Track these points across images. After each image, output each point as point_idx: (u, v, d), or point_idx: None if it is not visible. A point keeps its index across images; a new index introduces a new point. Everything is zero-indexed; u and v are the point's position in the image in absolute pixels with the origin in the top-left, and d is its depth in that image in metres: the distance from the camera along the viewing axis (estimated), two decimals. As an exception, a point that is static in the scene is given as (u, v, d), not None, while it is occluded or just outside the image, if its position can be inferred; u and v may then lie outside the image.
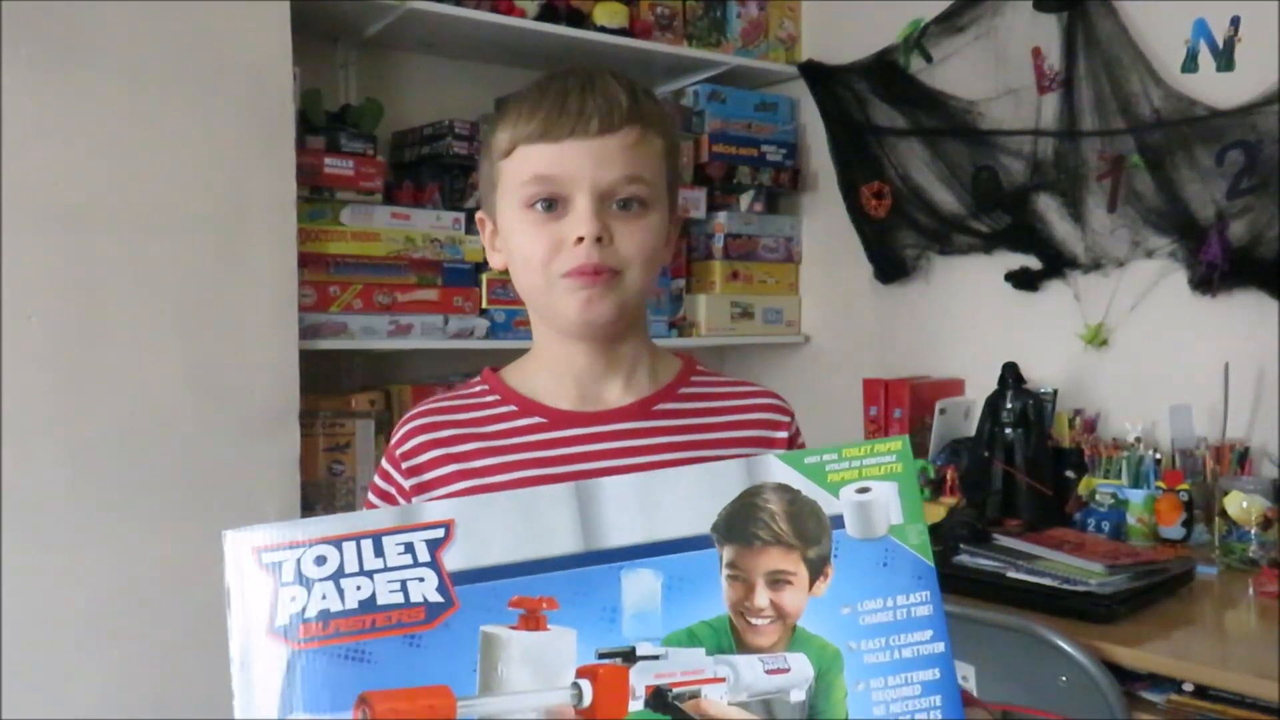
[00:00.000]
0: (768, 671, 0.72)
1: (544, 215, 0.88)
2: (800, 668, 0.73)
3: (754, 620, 0.73)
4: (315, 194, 1.97)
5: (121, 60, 1.65)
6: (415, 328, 2.07)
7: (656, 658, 0.71)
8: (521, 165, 0.89)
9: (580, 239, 0.87)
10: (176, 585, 1.67)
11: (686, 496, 0.74)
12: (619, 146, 0.88)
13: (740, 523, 0.74)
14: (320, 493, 1.97)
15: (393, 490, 0.95)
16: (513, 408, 0.94)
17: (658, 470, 0.77)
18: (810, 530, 0.75)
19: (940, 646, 0.75)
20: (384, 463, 0.96)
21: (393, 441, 0.96)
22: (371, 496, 0.97)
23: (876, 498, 0.76)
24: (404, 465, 0.94)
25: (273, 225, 1.79)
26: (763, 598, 0.73)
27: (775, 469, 0.75)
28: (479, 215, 0.99)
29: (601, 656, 0.70)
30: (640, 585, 0.72)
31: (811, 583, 0.74)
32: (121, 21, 1.64)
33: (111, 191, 1.65)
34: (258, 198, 1.78)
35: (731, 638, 0.73)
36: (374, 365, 2.26)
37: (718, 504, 0.74)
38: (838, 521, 0.75)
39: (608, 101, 0.87)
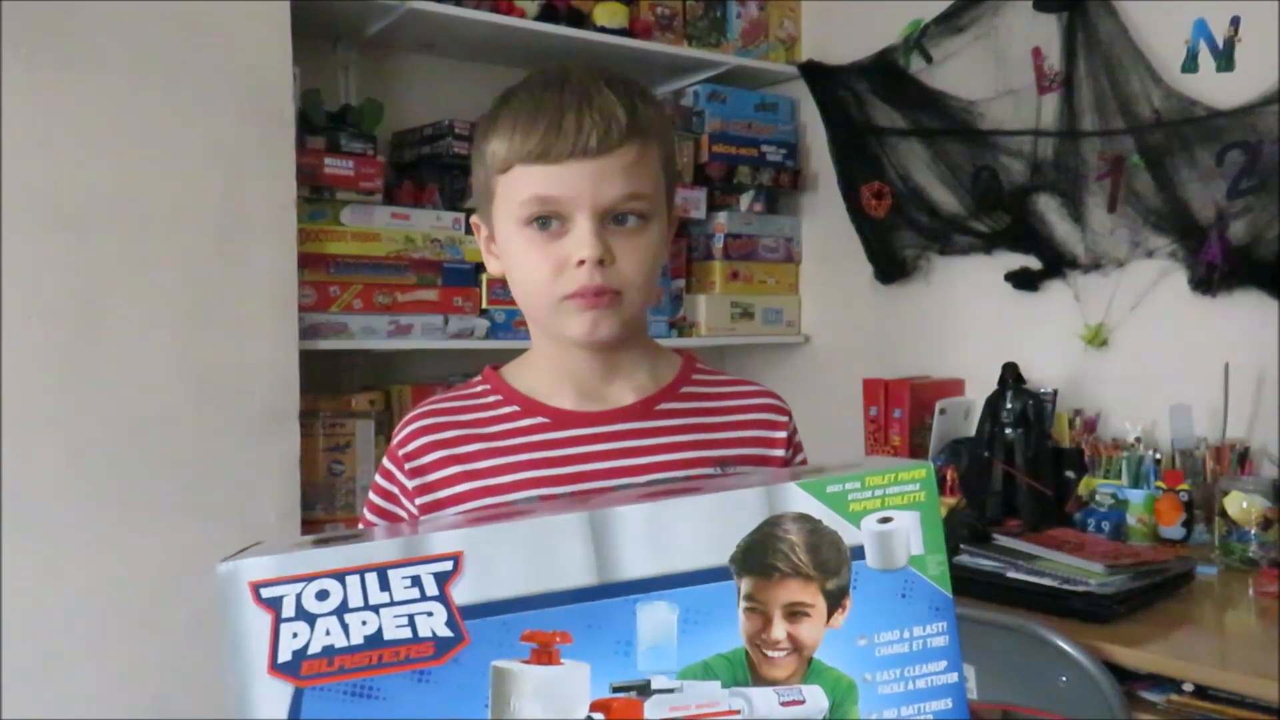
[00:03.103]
0: (782, 704, 0.72)
1: (543, 234, 0.88)
2: (815, 700, 0.72)
3: (770, 653, 0.72)
4: (315, 194, 1.97)
5: (121, 60, 1.65)
6: (415, 328, 2.07)
7: (671, 691, 0.70)
8: (519, 184, 0.87)
9: (582, 261, 0.86)
10: (176, 585, 1.67)
11: (704, 527, 0.73)
12: (619, 165, 0.86)
13: (759, 553, 0.73)
14: (320, 493, 1.97)
15: (396, 490, 0.94)
16: (515, 408, 0.94)
17: (674, 499, 0.75)
18: (830, 562, 0.73)
19: (954, 677, 0.74)
20: (386, 462, 0.96)
21: (395, 441, 0.95)
22: (373, 496, 0.96)
23: (898, 528, 0.74)
24: (407, 466, 0.93)
25: (273, 225, 1.79)
26: (780, 630, 0.72)
27: (796, 498, 0.74)
28: (474, 220, 0.98)
29: (616, 690, 0.70)
30: (655, 618, 0.71)
31: (829, 615, 0.73)
32: (121, 21, 1.64)
33: (111, 191, 1.64)
34: (258, 198, 1.78)
35: (747, 670, 0.72)
36: (374, 365, 2.26)
37: (736, 534, 0.73)
38: (858, 552, 0.74)
39: (605, 119, 0.85)
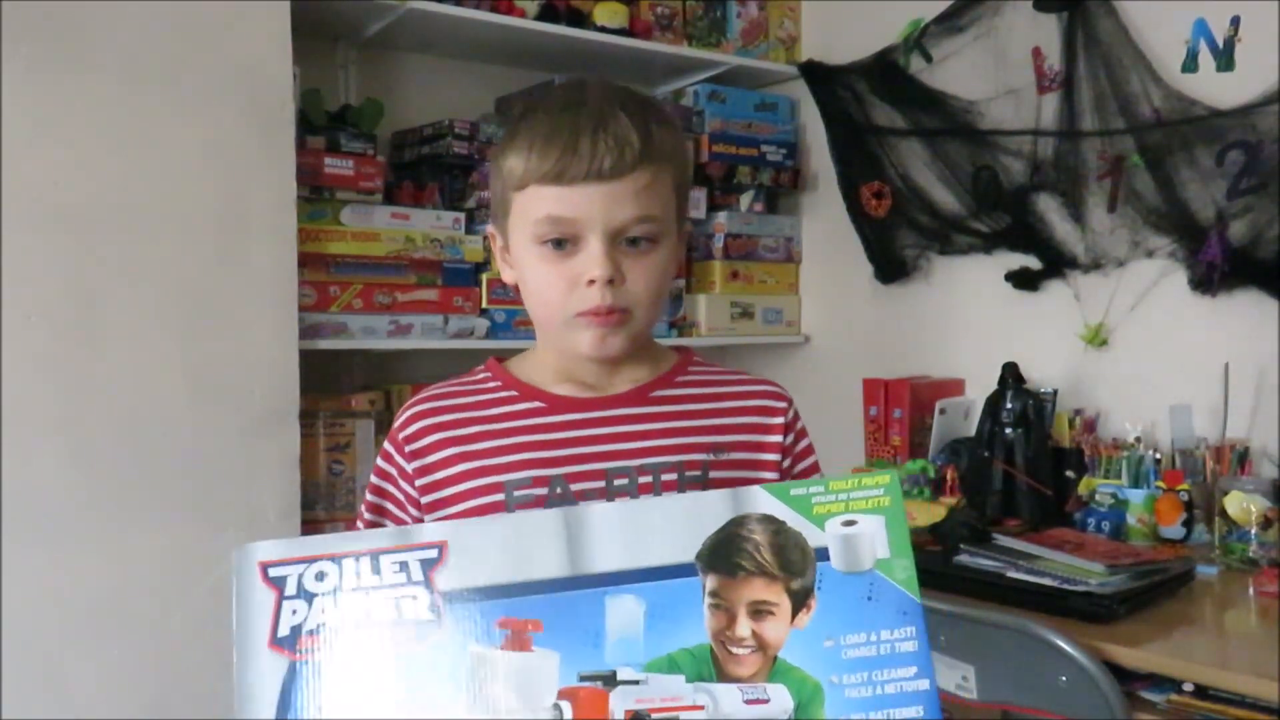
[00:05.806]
0: (746, 701, 0.73)
1: (556, 253, 0.91)
2: (780, 699, 0.73)
3: (735, 649, 0.74)
4: (315, 194, 1.97)
5: (121, 60, 1.65)
6: (415, 328, 2.07)
7: (637, 683, 0.72)
8: (534, 203, 0.90)
9: (592, 280, 0.89)
10: (176, 585, 1.67)
11: (672, 525, 0.76)
12: (631, 189, 0.89)
13: (724, 552, 0.75)
14: (320, 493, 1.97)
15: (394, 471, 0.98)
16: (513, 393, 0.97)
17: (644, 499, 0.78)
18: (794, 561, 0.75)
19: (924, 684, 0.75)
20: (386, 445, 0.99)
21: (396, 425, 0.98)
22: (372, 478, 1.00)
23: (862, 531, 0.76)
24: (407, 449, 0.96)
25: (273, 225, 1.79)
26: (744, 627, 0.74)
27: (761, 500, 0.76)
28: (489, 230, 1.01)
29: (583, 679, 0.72)
30: (624, 611, 0.73)
31: (794, 614, 0.75)
32: (121, 21, 1.64)
33: (111, 192, 1.64)
34: (258, 198, 1.78)
35: (712, 666, 0.73)
36: (374, 365, 2.26)
37: (702, 533, 0.75)
38: (823, 554, 0.76)
39: (619, 144, 0.88)
